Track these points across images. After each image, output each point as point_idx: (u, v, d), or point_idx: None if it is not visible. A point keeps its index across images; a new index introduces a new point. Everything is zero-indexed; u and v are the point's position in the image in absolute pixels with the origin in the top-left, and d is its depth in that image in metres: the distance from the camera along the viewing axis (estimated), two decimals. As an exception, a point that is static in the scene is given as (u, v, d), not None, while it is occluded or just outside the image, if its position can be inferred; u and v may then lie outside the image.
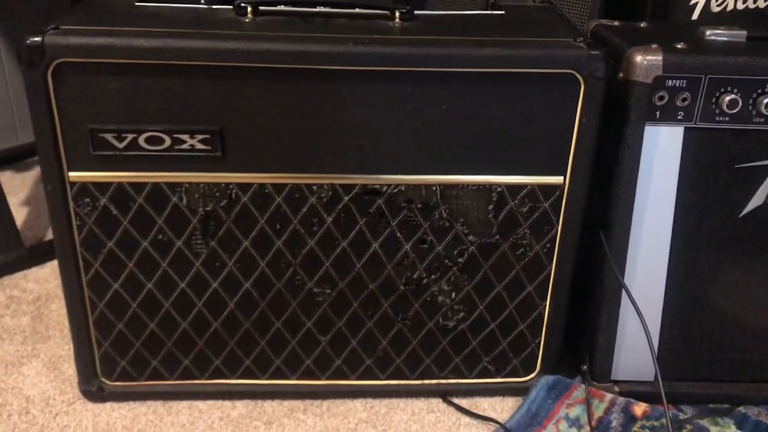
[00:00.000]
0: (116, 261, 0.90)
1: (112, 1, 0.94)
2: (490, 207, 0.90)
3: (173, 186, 0.87)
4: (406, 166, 0.88)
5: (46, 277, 1.29)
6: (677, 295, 0.96)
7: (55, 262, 1.02)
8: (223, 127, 0.84)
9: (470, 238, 0.92)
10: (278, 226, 0.90)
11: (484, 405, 1.02)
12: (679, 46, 0.87)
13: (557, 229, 0.92)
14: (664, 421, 0.93)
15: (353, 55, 0.81)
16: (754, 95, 0.87)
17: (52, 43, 0.78)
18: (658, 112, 0.87)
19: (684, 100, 0.87)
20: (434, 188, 0.89)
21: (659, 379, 0.90)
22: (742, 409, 1.00)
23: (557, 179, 0.89)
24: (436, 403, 1.02)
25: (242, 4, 0.89)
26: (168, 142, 0.84)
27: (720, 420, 0.98)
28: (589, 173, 0.89)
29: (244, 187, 0.87)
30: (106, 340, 0.95)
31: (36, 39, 0.78)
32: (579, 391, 1.00)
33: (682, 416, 0.99)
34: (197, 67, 0.81)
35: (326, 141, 0.86)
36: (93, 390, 0.98)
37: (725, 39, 0.91)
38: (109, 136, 0.83)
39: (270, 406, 1.01)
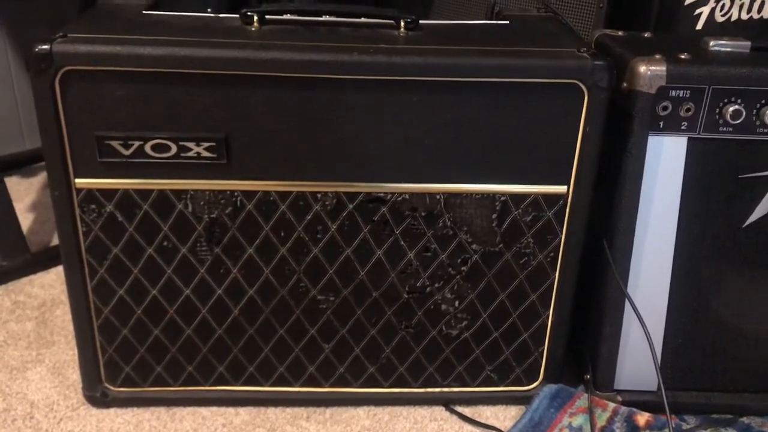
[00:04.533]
0: (121, 267, 0.91)
1: (120, 9, 0.95)
2: (494, 216, 0.91)
3: (179, 193, 0.87)
4: (411, 174, 0.88)
5: (52, 282, 1.29)
6: (680, 305, 0.96)
7: (60, 268, 1.03)
8: (229, 134, 0.85)
9: (474, 246, 0.92)
10: (282, 234, 0.90)
11: (487, 413, 1.02)
12: (683, 57, 0.87)
13: (561, 238, 0.92)
14: (667, 431, 0.93)
15: (358, 64, 0.81)
16: (758, 106, 0.87)
17: (60, 51, 0.79)
18: (661, 122, 0.88)
19: (687, 110, 0.87)
20: (438, 197, 0.89)
21: (662, 388, 0.91)
22: (745, 419, 1.00)
23: (561, 188, 0.90)
24: (439, 411, 1.02)
25: (248, 13, 0.89)
26: (174, 149, 0.85)
27: (723, 430, 0.98)
28: (593, 183, 0.89)
29: (248, 194, 0.88)
30: (110, 346, 0.95)
31: (44, 47, 0.79)
32: (582, 400, 1.00)
33: (685, 426, 0.98)
34: (203, 75, 0.81)
35: (331, 149, 0.86)
36: (97, 395, 0.99)
37: (729, 49, 0.91)
38: (115, 144, 0.84)
39: (273, 413, 1.01)
